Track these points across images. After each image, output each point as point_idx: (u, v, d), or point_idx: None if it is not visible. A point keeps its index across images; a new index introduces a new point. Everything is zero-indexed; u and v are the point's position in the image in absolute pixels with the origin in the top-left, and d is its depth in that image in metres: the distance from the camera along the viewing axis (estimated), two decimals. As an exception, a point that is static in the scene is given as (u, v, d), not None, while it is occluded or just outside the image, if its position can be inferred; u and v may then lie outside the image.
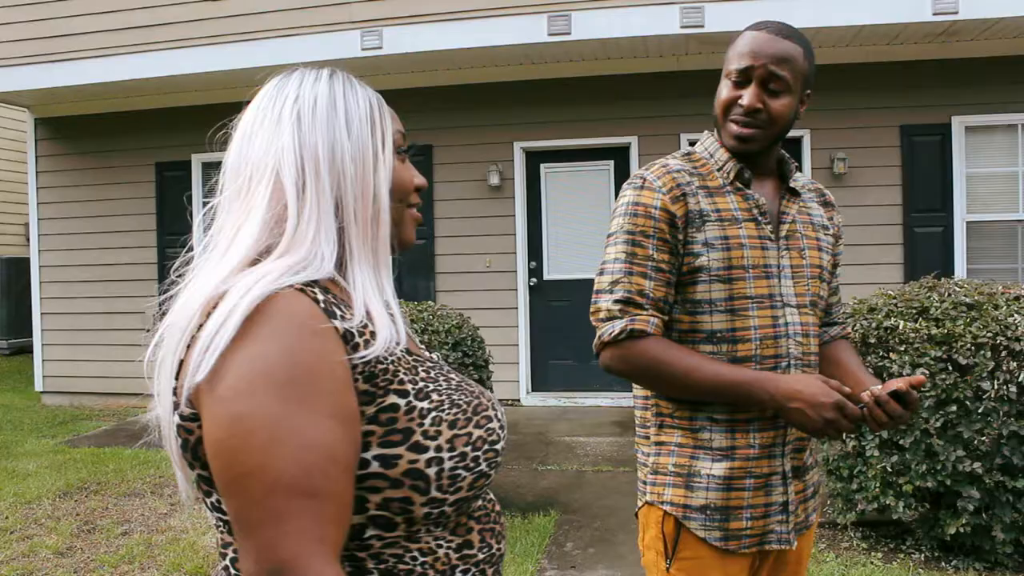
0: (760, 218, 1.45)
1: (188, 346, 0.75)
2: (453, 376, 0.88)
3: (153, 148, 7.24)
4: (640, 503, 1.53)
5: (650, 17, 5.65)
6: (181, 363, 0.76)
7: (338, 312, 0.77)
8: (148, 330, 0.80)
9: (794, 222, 1.49)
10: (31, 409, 7.11)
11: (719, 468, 1.42)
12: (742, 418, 1.42)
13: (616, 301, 1.42)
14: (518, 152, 6.59)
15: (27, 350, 9.43)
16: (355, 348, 0.76)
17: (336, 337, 0.75)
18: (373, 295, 0.83)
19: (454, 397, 0.84)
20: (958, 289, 3.30)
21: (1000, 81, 5.93)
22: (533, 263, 6.70)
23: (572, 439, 5.42)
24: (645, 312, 1.41)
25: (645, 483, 1.51)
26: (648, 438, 1.52)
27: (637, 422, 1.57)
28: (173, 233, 7.02)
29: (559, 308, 6.66)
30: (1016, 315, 3.07)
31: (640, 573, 3.23)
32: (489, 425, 0.85)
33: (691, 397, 1.43)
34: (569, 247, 6.67)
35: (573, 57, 6.31)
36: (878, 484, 3.23)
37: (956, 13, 5.28)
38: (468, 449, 0.81)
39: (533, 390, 6.70)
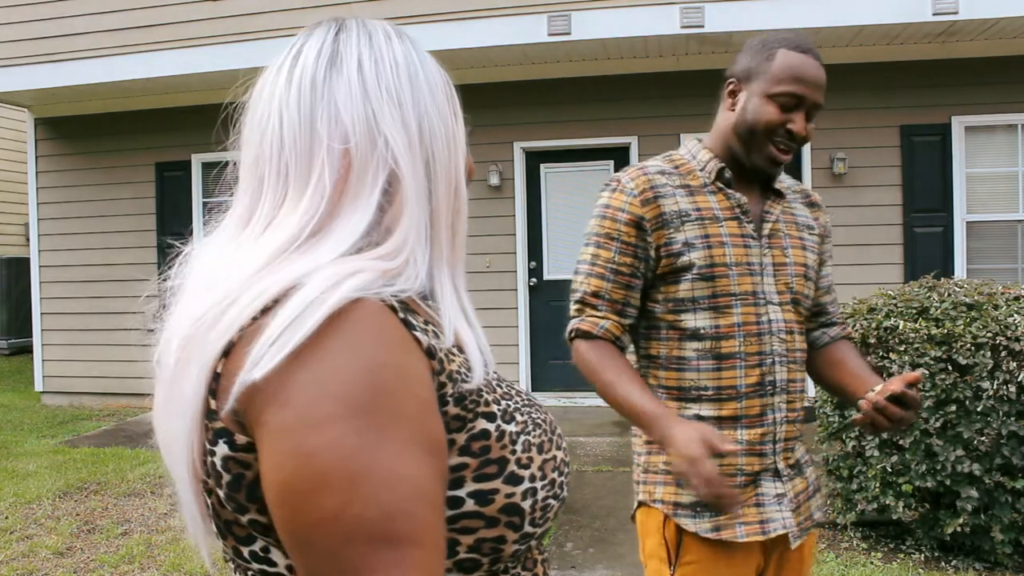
0: (742, 217, 1.45)
1: (234, 343, 0.60)
2: (520, 390, 0.77)
3: (153, 148, 7.23)
4: (635, 504, 1.52)
5: (650, 17, 5.65)
6: (226, 356, 0.60)
7: (417, 324, 0.64)
8: (150, 330, 0.70)
9: (777, 221, 1.49)
10: (31, 409, 7.11)
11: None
12: (728, 416, 1.42)
13: (576, 301, 1.48)
14: (518, 152, 6.59)
15: (27, 350, 9.43)
16: (440, 364, 0.64)
17: (419, 352, 0.62)
18: (455, 308, 0.71)
19: (533, 416, 0.73)
20: (958, 289, 3.31)
21: (1000, 81, 5.92)
22: (533, 263, 6.71)
23: (572, 439, 5.42)
24: (598, 314, 1.44)
25: (638, 483, 1.51)
26: (641, 436, 1.52)
27: None
28: (173, 233, 6.99)
29: (559, 308, 6.66)
30: (1016, 315, 3.07)
31: (640, 573, 3.23)
32: (563, 444, 0.76)
33: (616, 410, 1.41)
34: (569, 247, 6.66)
35: (573, 57, 6.31)
36: (878, 484, 3.23)
37: (956, 13, 5.28)
38: (556, 475, 0.71)
39: (533, 390, 6.70)
